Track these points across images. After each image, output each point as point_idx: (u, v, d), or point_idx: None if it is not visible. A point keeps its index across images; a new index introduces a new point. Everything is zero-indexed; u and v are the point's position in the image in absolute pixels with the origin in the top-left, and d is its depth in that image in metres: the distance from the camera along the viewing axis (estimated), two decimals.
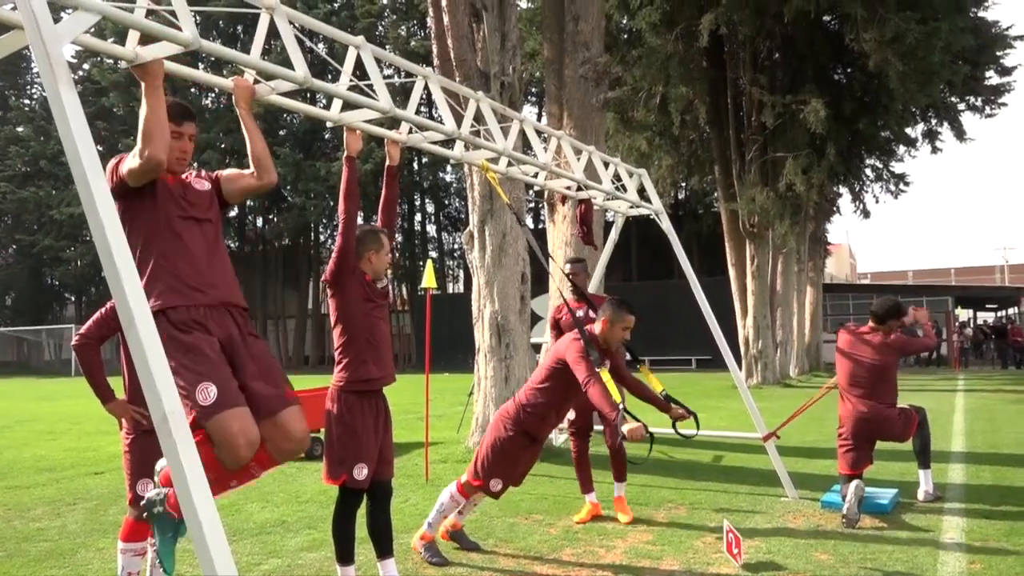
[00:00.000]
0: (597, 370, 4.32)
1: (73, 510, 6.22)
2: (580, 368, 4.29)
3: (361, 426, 3.88)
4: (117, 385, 3.95)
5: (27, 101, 45.61)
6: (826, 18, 19.01)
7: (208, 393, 2.73)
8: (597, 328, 4.61)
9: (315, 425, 8.57)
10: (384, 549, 4.08)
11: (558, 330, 5.87)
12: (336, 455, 3.88)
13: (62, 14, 2.62)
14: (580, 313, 5.47)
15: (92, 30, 2.79)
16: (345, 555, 4.01)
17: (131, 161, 2.85)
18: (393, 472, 4.12)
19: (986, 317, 43.83)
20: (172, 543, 2.94)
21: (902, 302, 5.99)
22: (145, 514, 2.99)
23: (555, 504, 6.01)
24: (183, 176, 3.13)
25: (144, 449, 3.63)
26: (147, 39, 2.93)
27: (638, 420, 4.16)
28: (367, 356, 3.91)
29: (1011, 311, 40.86)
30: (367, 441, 3.88)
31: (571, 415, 5.68)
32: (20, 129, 42.28)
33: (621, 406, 4.19)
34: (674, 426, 4.72)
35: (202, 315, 2.90)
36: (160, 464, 3.50)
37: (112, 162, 2.97)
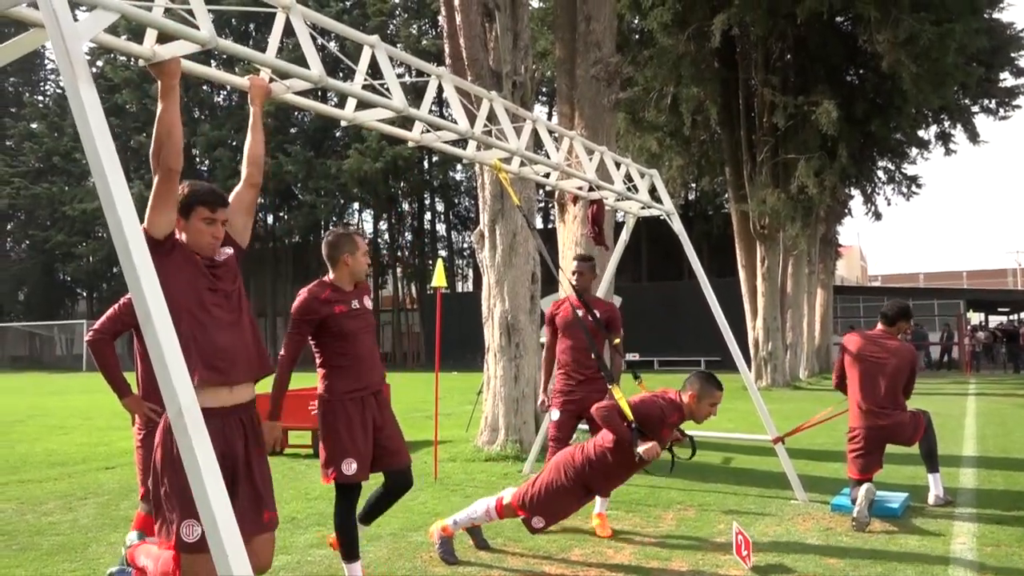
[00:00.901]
0: (612, 390, 4.38)
1: (85, 504, 6.26)
2: (604, 402, 4.38)
3: (345, 424, 3.90)
4: (131, 380, 3.98)
5: (40, 97, 45.92)
6: (839, 19, 18.91)
7: (192, 532, 2.71)
8: (684, 398, 4.43)
9: None
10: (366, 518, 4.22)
11: (553, 326, 5.74)
12: (326, 455, 3.94)
13: (76, 12, 2.64)
14: (580, 313, 5.37)
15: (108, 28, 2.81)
16: (350, 552, 4.03)
17: (152, 204, 2.79)
18: (407, 460, 4.10)
19: (998, 320, 43.53)
20: None
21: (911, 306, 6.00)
22: None
23: None
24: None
25: None
26: (164, 38, 2.94)
27: (651, 439, 4.18)
28: (346, 370, 3.95)
29: (1023, 315, 40.57)
30: (352, 436, 3.90)
31: (554, 416, 5.48)
32: (34, 125, 42.56)
33: (633, 426, 4.20)
34: (671, 449, 4.67)
35: (216, 425, 2.80)
36: (130, 539, 3.53)
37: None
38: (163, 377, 2.29)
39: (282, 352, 3.92)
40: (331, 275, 4.06)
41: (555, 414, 5.45)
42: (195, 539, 2.70)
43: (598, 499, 5.38)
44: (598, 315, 5.40)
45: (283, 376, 3.85)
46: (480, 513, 4.61)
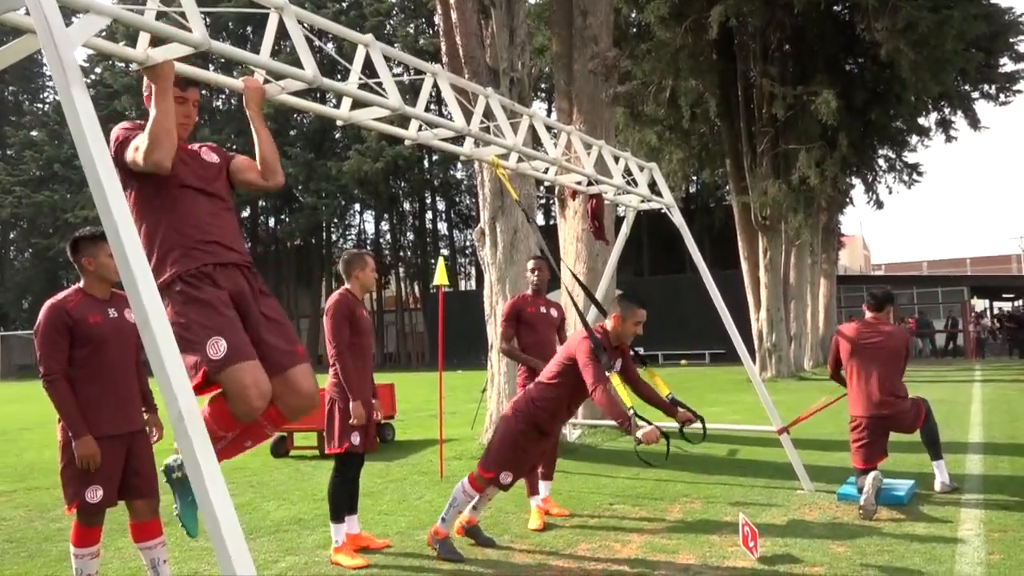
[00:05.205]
0: (607, 374, 4.32)
1: None
2: (588, 371, 4.29)
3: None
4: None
5: (40, 105, 46.01)
6: (836, 8, 18.86)
7: (218, 347, 2.75)
8: (608, 324, 4.57)
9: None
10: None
11: (518, 321, 5.73)
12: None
13: (73, 18, 2.65)
14: (543, 310, 5.76)
15: (103, 33, 2.81)
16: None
17: (134, 155, 2.85)
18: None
19: (1003, 307, 43.43)
20: (193, 507, 2.98)
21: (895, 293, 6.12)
22: (166, 479, 3.08)
23: (569, 500, 6.01)
24: (193, 146, 3.14)
25: None
26: (158, 41, 2.94)
27: (649, 423, 4.17)
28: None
29: None
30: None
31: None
32: (34, 133, 42.67)
33: (631, 411, 4.20)
34: (681, 430, 4.68)
35: (211, 270, 2.90)
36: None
37: (116, 132, 2.94)
38: (163, 382, 2.29)
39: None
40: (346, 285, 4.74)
41: None
42: (223, 353, 2.76)
43: (541, 484, 5.45)
44: (555, 314, 5.86)
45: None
46: (460, 497, 4.61)
